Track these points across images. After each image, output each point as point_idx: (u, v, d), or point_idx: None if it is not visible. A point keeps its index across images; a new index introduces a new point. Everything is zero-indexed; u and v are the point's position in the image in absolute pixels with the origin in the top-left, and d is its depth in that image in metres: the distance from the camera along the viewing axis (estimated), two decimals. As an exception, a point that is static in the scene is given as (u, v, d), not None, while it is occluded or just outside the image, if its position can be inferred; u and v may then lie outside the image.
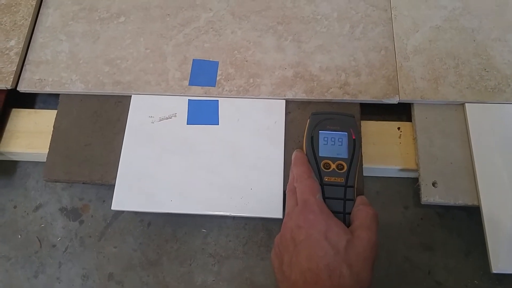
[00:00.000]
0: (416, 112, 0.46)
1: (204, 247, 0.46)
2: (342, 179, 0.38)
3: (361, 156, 0.42)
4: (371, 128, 0.46)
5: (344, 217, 0.37)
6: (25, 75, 0.50)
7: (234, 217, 0.47)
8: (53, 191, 0.50)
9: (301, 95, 0.46)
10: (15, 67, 0.49)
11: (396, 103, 0.46)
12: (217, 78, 0.48)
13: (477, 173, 0.43)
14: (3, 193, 0.50)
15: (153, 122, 0.47)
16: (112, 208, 0.43)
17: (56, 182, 0.46)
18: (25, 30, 0.51)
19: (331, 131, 0.40)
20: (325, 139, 0.39)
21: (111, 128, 0.48)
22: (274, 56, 0.48)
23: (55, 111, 0.50)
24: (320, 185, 0.38)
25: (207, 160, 0.45)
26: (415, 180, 0.44)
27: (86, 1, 0.53)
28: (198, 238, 0.46)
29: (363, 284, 0.32)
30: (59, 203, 0.49)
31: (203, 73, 0.49)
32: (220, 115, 0.47)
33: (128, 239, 0.47)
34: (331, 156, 0.39)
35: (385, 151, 0.46)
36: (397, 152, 0.45)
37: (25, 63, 0.50)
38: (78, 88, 0.49)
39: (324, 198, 0.37)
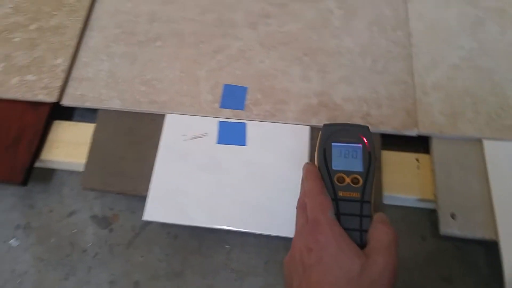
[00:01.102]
0: (434, 145, 0.48)
1: (227, 262, 0.48)
2: (357, 194, 0.36)
3: (377, 169, 0.40)
4: (390, 158, 0.49)
5: (361, 235, 0.34)
6: (69, 90, 0.54)
7: (256, 235, 0.49)
8: (85, 199, 0.53)
9: (325, 123, 0.49)
10: (61, 83, 0.53)
11: (415, 135, 0.48)
12: (246, 103, 0.52)
13: (495, 208, 0.44)
14: (40, 198, 0.53)
15: (185, 140, 0.51)
16: (143, 218, 0.46)
17: (92, 190, 0.50)
18: (71, 50, 0.55)
19: (345, 143, 0.38)
20: (339, 151, 0.37)
21: (145, 144, 0.51)
22: (300, 84, 0.52)
23: (92, 124, 0.53)
24: (334, 200, 0.36)
25: (234, 179, 0.48)
26: (433, 211, 0.46)
27: (126, 25, 0.58)
28: (222, 254, 0.49)
29: None
30: (91, 211, 0.52)
31: (233, 97, 0.52)
32: (248, 137, 0.50)
33: (155, 249, 0.50)
34: (345, 169, 0.36)
35: (404, 180, 0.48)
36: (415, 182, 0.47)
37: (69, 79, 0.54)
38: (115, 104, 0.52)
39: (339, 214, 0.35)
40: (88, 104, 0.53)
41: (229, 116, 0.51)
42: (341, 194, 0.36)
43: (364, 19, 0.55)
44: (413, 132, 0.48)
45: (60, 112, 0.55)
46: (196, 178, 0.48)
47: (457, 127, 0.48)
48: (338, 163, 0.37)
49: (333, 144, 0.38)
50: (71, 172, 0.54)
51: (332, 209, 0.35)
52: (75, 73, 0.55)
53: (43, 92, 0.52)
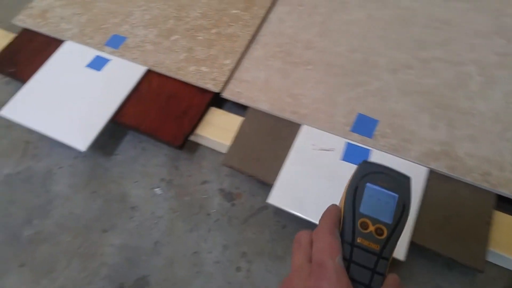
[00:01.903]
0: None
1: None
2: (377, 246, 0.32)
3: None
4: (503, 220, 0.52)
5: None
6: (230, 86, 0.66)
7: None
8: (219, 174, 0.64)
9: (443, 169, 0.55)
10: (226, 79, 0.66)
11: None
12: (374, 133, 0.60)
13: None
14: (184, 163, 0.65)
15: (314, 149, 0.60)
16: (267, 201, 0.55)
17: (230, 167, 0.60)
18: (238, 56, 0.68)
19: (381, 187, 0.33)
20: (371, 194, 0.33)
21: (281, 143, 0.61)
22: (427, 131, 0.58)
23: (239, 117, 0.65)
24: (350, 244, 0.32)
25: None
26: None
27: (285, 47, 0.70)
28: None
29: None
30: (221, 185, 0.63)
31: (364, 125, 0.61)
32: (367, 162, 0.58)
33: (265, 231, 0.59)
34: (373, 216, 0.32)
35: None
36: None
37: (231, 78, 0.67)
38: (264, 107, 0.63)
39: (350, 261, 0.32)
40: (242, 101, 0.64)
41: (357, 140, 0.59)
42: (359, 241, 0.32)
43: (502, 89, 0.61)
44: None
45: (216, 101, 0.67)
46: (316, 181, 0.57)
47: None
48: (367, 207, 0.33)
49: (367, 184, 0.34)
50: (212, 150, 0.66)
51: (341, 254, 0.31)
52: (237, 74, 0.67)
53: (211, 83, 0.65)
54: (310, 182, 0.57)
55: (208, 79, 0.66)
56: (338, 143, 0.60)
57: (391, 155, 0.58)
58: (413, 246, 0.52)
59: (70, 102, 0.66)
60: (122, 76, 0.68)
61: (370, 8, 0.72)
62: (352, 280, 0.31)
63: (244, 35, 0.70)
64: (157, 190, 0.63)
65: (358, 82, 0.65)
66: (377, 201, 0.33)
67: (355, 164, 0.59)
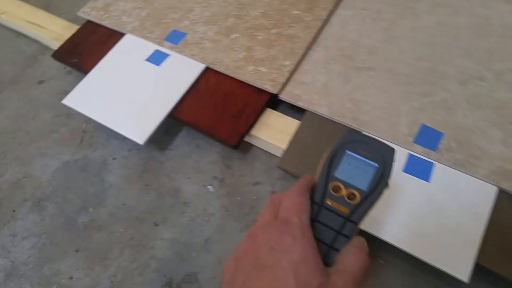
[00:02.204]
0: None
1: (378, 277, 0.54)
2: (347, 210, 0.31)
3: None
4: None
5: (328, 252, 0.31)
6: (288, 88, 0.65)
7: (415, 258, 0.53)
8: (270, 176, 0.63)
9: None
10: (284, 80, 0.65)
11: None
12: (438, 146, 0.57)
13: None
14: (237, 163, 0.65)
15: (373, 159, 0.58)
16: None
17: (285, 171, 0.60)
18: (298, 57, 0.67)
19: (361, 155, 0.33)
20: (350, 161, 0.33)
21: (338, 150, 0.60)
22: (499, 148, 0.55)
23: (295, 120, 0.64)
24: (317, 204, 0.32)
25: (412, 206, 0.53)
26: None
27: (347, 51, 0.68)
28: (374, 266, 0.54)
29: None
30: (272, 187, 0.62)
31: (428, 137, 0.58)
32: (432, 176, 0.55)
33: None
34: (347, 180, 0.32)
35: None
36: None
37: (290, 79, 0.66)
38: (323, 111, 0.62)
39: (316, 221, 0.32)
40: (300, 104, 0.63)
41: (420, 152, 0.57)
42: (329, 202, 0.32)
43: None
44: None
45: (272, 102, 0.66)
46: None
47: None
48: (342, 172, 0.33)
49: (347, 151, 0.33)
50: (265, 152, 0.65)
51: (309, 213, 0.31)
52: (296, 76, 0.66)
53: (269, 83, 0.65)
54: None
55: (266, 80, 0.65)
56: (400, 154, 0.58)
57: (456, 171, 0.55)
58: (477, 268, 0.49)
59: (129, 95, 0.67)
60: (181, 72, 0.68)
61: (440, 15, 0.69)
62: (316, 239, 0.30)
63: (305, 37, 0.69)
64: (210, 188, 0.63)
65: (423, 92, 0.62)
66: (354, 168, 0.33)
67: (417, 177, 0.57)
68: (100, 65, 0.71)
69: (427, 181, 0.55)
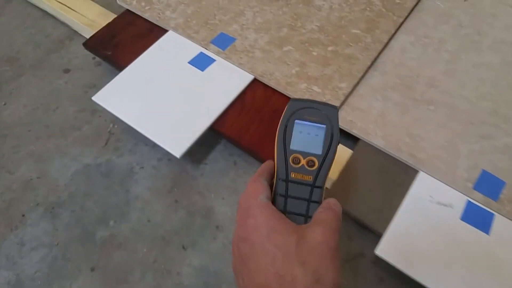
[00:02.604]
0: None
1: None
2: (310, 178, 0.33)
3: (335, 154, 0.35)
4: None
5: (305, 221, 0.33)
6: (342, 113, 0.60)
7: None
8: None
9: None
10: (339, 104, 0.60)
11: None
12: (500, 196, 0.53)
13: None
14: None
15: (431, 202, 0.53)
16: (376, 252, 0.49)
17: (335, 206, 0.54)
18: (355, 80, 0.62)
19: (309, 121, 0.34)
20: (300, 130, 0.34)
21: (393, 188, 0.55)
22: None
23: (345, 148, 0.59)
24: (285, 181, 0.33)
25: (468, 258, 0.49)
26: None
27: (406, 80, 0.63)
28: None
29: (324, 281, 0.28)
30: (316, 220, 0.57)
31: (488, 184, 0.54)
32: (492, 228, 0.51)
33: (359, 281, 0.52)
34: (303, 150, 0.34)
35: None
36: None
37: (344, 103, 0.61)
38: (379, 142, 0.57)
39: (287, 196, 0.33)
40: (355, 132, 0.58)
41: (479, 200, 0.52)
42: (293, 176, 0.34)
43: None
44: None
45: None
46: (430, 239, 0.50)
47: None
48: (297, 143, 0.34)
49: (296, 121, 0.35)
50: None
51: (266, 193, 0.33)
52: (351, 100, 0.61)
53: (322, 105, 0.60)
54: (424, 239, 0.50)
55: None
56: (458, 200, 0.53)
57: (523, 226, 0.51)
58: None
59: (167, 99, 0.61)
60: (227, 81, 0.62)
61: (506, 53, 0.65)
62: (291, 213, 0.33)
63: (364, 59, 0.64)
64: (247, 213, 0.58)
65: (484, 134, 0.58)
66: (306, 135, 0.34)
67: (475, 227, 0.52)
68: (137, 61, 0.65)
69: (486, 233, 0.51)
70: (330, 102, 0.60)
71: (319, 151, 0.34)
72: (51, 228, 0.57)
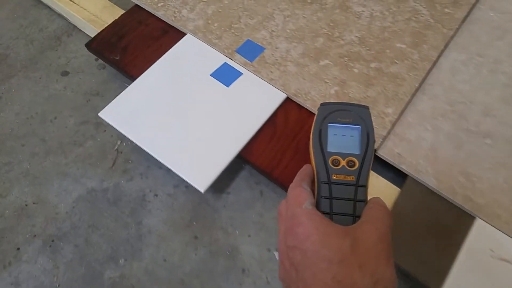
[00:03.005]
0: None
1: None
2: (353, 178, 0.33)
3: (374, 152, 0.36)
4: None
5: (354, 221, 0.33)
6: (388, 144, 0.53)
7: None
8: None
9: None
10: (385, 133, 0.53)
11: None
12: None
13: None
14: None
15: (492, 257, 0.47)
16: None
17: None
18: (403, 105, 0.54)
19: (342, 124, 0.35)
20: (335, 132, 0.35)
21: (446, 236, 0.48)
22: None
23: (390, 184, 0.52)
24: (327, 184, 0.33)
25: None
26: None
27: (458, 107, 0.55)
28: None
29: (384, 281, 0.27)
30: (354, 266, 0.51)
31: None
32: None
33: None
34: (341, 151, 0.34)
35: None
36: None
37: (390, 132, 0.54)
38: (430, 182, 0.50)
39: (332, 198, 0.33)
40: (403, 168, 0.51)
41: None
42: (335, 177, 0.34)
43: None
44: None
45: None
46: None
47: None
48: (333, 145, 0.35)
49: (329, 125, 0.35)
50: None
51: (310, 200, 0.32)
52: (398, 129, 0.54)
53: (366, 134, 0.52)
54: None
55: (362, 129, 0.52)
56: (523, 255, 0.47)
57: None
58: None
59: (187, 119, 0.52)
60: (256, 100, 0.54)
61: None
62: (338, 214, 0.33)
63: (411, 80, 0.56)
64: (276, 254, 0.51)
65: (547, 175, 0.51)
66: (342, 137, 0.35)
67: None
68: (150, 71, 0.55)
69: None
70: (375, 131, 0.54)
71: (357, 150, 0.34)
72: (51, 265, 0.49)
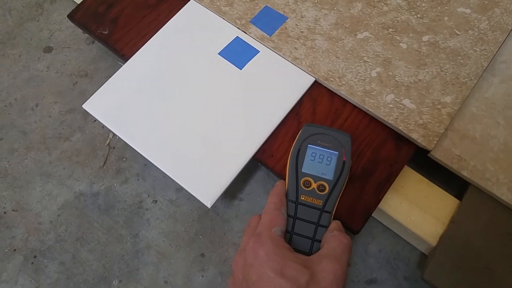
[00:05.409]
0: None
1: None
2: (320, 202, 0.34)
3: (347, 181, 0.36)
4: None
5: (312, 244, 0.34)
6: (445, 142, 0.41)
7: None
8: (394, 273, 0.42)
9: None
10: (443, 129, 0.41)
11: None
12: None
13: None
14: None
15: None
16: None
17: (431, 286, 0.38)
18: (466, 92, 0.42)
19: (322, 147, 0.36)
20: (313, 154, 0.36)
21: (521, 266, 0.38)
22: None
23: (445, 194, 0.41)
24: (294, 203, 0.35)
25: None
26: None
27: (537, 90, 0.43)
28: None
29: None
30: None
31: None
32: None
33: None
34: (314, 174, 0.35)
35: None
36: None
37: (448, 128, 0.42)
38: (501, 193, 0.39)
39: (295, 218, 0.34)
40: (465, 174, 0.40)
41: None
42: (303, 198, 0.35)
43: None
44: None
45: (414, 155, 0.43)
46: None
47: None
48: (308, 167, 0.36)
49: (309, 145, 0.36)
50: (387, 230, 0.43)
51: (282, 226, 0.33)
52: (458, 122, 0.42)
53: (419, 131, 0.40)
54: None
55: (413, 124, 0.40)
56: None
57: None
58: None
59: (188, 115, 0.42)
60: (277, 87, 0.42)
61: None
62: (298, 235, 0.34)
63: (477, 57, 0.43)
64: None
65: None
66: (318, 160, 0.36)
67: None
68: (144, 49, 0.44)
69: None
70: (429, 126, 0.42)
71: (330, 176, 0.35)
72: (33, 286, 0.42)
